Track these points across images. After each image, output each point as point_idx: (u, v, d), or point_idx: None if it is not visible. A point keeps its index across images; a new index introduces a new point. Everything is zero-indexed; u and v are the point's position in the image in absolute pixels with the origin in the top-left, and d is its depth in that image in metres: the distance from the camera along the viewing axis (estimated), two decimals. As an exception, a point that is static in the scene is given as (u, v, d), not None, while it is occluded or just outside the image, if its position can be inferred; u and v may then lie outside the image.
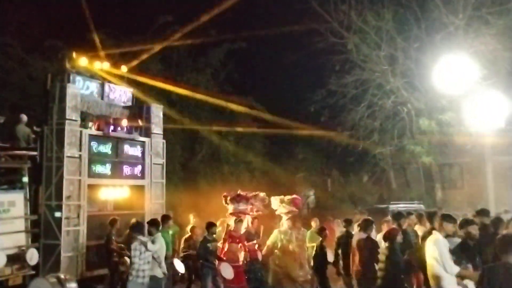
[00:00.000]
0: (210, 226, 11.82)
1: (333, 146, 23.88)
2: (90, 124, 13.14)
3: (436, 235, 7.73)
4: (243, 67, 25.22)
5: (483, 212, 9.93)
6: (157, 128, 15.03)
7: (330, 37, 22.90)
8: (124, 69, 14.92)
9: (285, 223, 13.72)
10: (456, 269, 7.34)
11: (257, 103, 25.11)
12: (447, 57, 20.86)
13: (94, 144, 12.88)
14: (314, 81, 24.00)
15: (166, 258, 11.44)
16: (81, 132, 12.44)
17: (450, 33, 22.05)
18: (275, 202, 13.92)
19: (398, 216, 10.99)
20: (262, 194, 14.07)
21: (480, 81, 20.98)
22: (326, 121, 23.76)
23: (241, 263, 12.42)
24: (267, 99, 25.14)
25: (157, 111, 15.23)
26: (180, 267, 12.21)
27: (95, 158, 12.88)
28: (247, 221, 13.52)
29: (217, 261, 11.74)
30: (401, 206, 19.22)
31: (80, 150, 12.33)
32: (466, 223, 7.93)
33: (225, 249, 12.41)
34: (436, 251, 7.46)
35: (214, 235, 11.97)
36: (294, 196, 14.28)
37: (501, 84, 21.20)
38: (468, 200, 21.45)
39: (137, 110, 14.99)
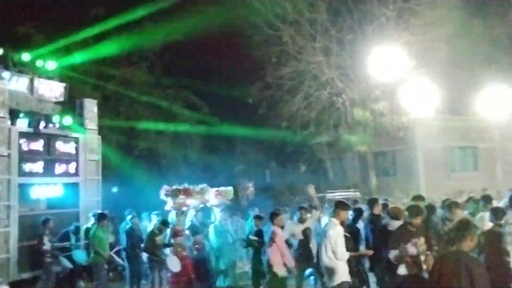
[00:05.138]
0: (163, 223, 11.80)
1: (271, 138, 24.09)
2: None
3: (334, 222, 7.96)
4: (180, 60, 24.94)
5: (419, 197, 10.45)
6: (91, 123, 14.70)
7: (266, 29, 23.04)
8: (53, 64, 14.41)
9: (218, 215, 13.84)
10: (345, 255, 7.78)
11: (194, 97, 24.98)
12: (380, 48, 21.47)
13: (24, 142, 12.46)
14: (251, 73, 24.06)
15: (102, 257, 11.31)
16: (9, 129, 12.01)
17: (381, 24, 22.64)
18: (208, 194, 13.96)
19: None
20: (202, 187, 14.01)
21: (411, 71, 21.70)
22: (264, 113, 23.91)
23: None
24: (204, 92, 25.04)
25: (91, 105, 14.88)
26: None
27: (26, 156, 12.47)
28: (190, 214, 13.47)
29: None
30: (337, 195, 19.69)
31: (9, 148, 11.91)
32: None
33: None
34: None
35: (162, 230, 11.95)
36: (227, 187, 14.43)
37: (431, 74, 21.99)
38: (401, 187, 22.11)
39: (70, 105, 14.62)
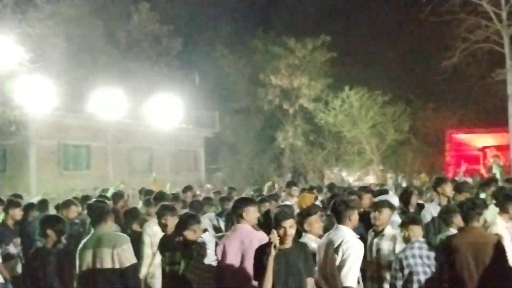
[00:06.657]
0: None
1: None
2: None
3: None
4: None
5: (17, 196, 10.42)
6: None
7: None
8: None
9: None
10: None
11: None
12: (-8, 35, 19.98)
13: None
14: None
15: None
16: None
17: (-2, 10, 21.11)
18: None
19: None
20: None
21: (27, 63, 20.83)
22: None
23: None
24: None
25: None
26: None
27: None
28: None
29: None
30: None
31: None
32: None
33: None
34: None
35: None
36: None
37: (48, 69, 21.59)
38: (10, 184, 21.08)
39: None
